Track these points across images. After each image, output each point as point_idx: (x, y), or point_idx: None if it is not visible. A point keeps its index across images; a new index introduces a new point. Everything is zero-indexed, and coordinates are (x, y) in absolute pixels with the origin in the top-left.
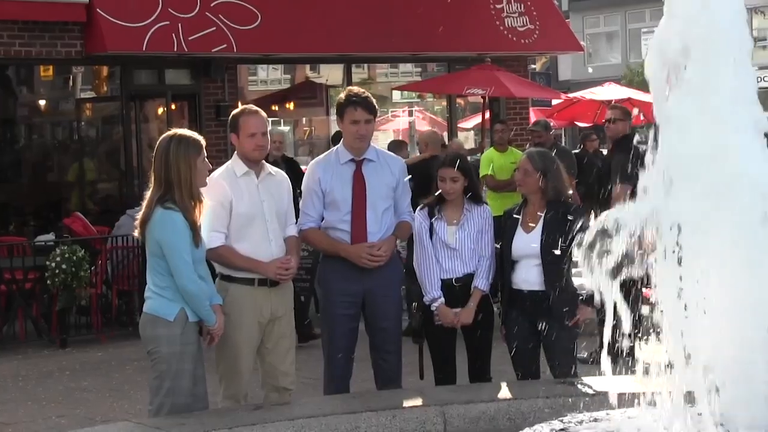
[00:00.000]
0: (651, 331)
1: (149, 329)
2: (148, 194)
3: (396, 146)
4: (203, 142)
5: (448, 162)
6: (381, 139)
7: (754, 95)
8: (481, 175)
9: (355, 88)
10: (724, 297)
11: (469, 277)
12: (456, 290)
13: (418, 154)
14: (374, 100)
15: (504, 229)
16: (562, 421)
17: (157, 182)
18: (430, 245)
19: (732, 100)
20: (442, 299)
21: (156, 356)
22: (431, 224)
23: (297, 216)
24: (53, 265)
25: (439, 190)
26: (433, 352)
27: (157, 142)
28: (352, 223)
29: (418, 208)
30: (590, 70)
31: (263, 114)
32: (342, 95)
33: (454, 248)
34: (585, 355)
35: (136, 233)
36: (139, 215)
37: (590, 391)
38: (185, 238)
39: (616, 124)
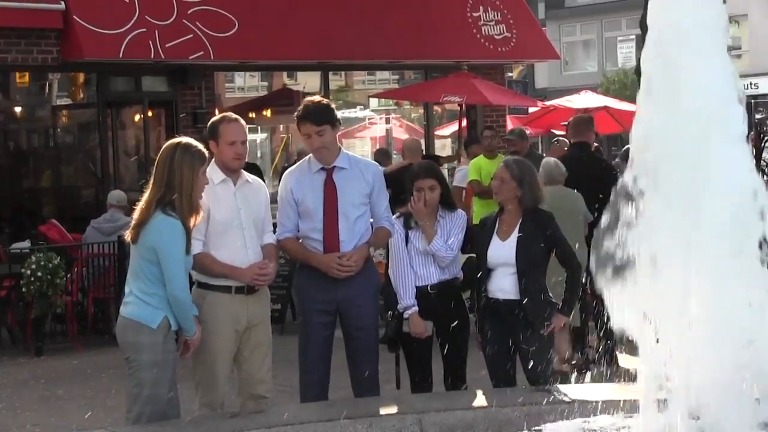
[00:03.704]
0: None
1: (131, 335)
2: (144, 197)
3: (381, 155)
4: (207, 154)
5: (424, 172)
6: (358, 146)
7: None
8: (468, 180)
9: (309, 100)
10: (701, 309)
11: (444, 284)
12: (431, 297)
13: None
14: (327, 107)
15: (480, 236)
16: (537, 429)
17: (157, 185)
18: (405, 253)
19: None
20: (416, 308)
21: (136, 364)
22: (406, 233)
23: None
24: (28, 272)
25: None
26: (408, 360)
27: (162, 148)
28: (324, 232)
29: (395, 216)
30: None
31: (243, 122)
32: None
33: (428, 253)
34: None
35: (127, 235)
36: (135, 215)
37: (567, 399)
38: (182, 247)
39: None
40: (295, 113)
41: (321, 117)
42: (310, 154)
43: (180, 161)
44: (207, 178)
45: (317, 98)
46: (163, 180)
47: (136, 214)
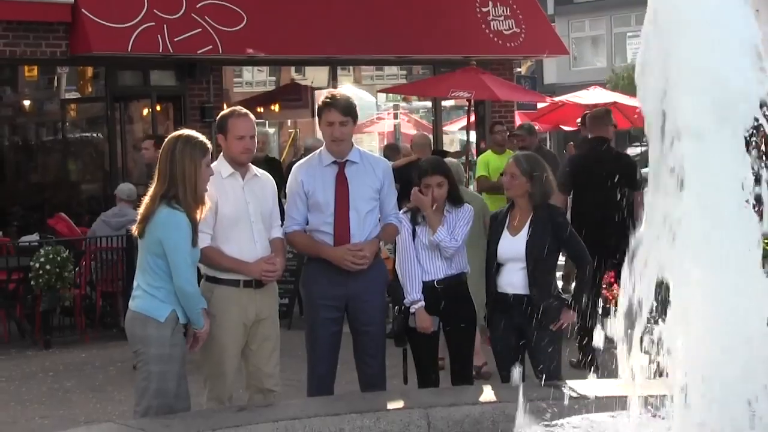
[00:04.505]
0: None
1: (139, 329)
2: (150, 191)
3: (390, 150)
4: (210, 146)
5: (431, 169)
6: (366, 141)
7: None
8: (476, 176)
9: (335, 91)
10: (707, 306)
11: (450, 279)
12: (438, 292)
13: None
14: (354, 103)
15: (490, 232)
16: (546, 424)
17: (161, 179)
18: (412, 248)
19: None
20: (422, 303)
21: (144, 357)
22: (414, 229)
23: (281, 217)
24: (37, 265)
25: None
26: (415, 354)
27: (165, 141)
28: (335, 225)
29: (402, 211)
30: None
31: (252, 117)
32: (321, 98)
33: (435, 245)
34: (575, 360)
35: (133, 229)
36: (140, 210)
37: (574, 395)
38: (188, 239)
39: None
40: (320, 102)
41: (347, 108)
42: (321, 148)
43: (181, 154)
44: (212, 170)
45: (342, 92)
46: (166, 173)
47: (141, 209)
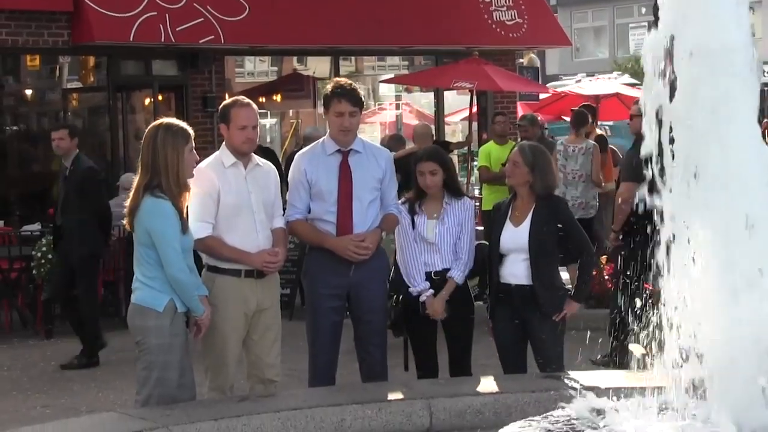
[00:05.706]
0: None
1: (138, 320)
2: (134, 182)
3: (394, 141)
4: (191, 132)
5: (425, 156)
6: (368, 132)
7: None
8: (477, 166)
9: (343, 80)
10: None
11: (447, 272)
12: (435, 283)
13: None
14: (361, 92)
15: (493, 222)
16: (547, 416)
17: (144, 169)
18: (412, 238)
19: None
20: (432, 290)
21: (144, 347)
22: (412, 219)
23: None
24: (39, 255)
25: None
26: (414, 345)
27: (146, 130)
28: (338, 215)
29: (400, 201)
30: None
31: (255, 107)
32: (328, 86)
33: (432, 243)
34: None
35: (124, 222)
36: (127, 203)
37: (576, 386)
38: (175, 227)
39: (635, 120)
40: (328, 91)
41: (358, 99)
42: (324, 137)
43: (163, 142)
44: (195, 155)
45: (348, 80)
46: (148, 163)
47: (128, 201)
